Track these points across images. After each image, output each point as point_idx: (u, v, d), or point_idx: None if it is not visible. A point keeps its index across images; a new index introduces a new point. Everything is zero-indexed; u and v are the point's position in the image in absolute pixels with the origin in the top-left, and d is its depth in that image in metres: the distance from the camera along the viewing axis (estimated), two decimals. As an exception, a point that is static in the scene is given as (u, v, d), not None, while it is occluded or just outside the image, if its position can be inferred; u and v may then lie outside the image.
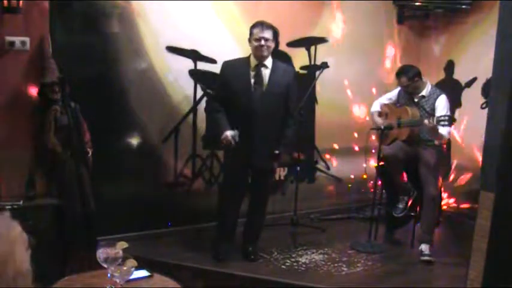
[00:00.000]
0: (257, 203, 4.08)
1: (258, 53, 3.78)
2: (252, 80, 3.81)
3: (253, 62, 3.84)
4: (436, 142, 4.31)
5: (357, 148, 5.43)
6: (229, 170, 4.12)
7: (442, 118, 3.97)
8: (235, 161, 3.91)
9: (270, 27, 3.78)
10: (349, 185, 5.44)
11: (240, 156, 3.82)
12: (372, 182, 5.18)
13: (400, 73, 4.34)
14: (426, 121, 4.06)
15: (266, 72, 3.83)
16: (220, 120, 3.84)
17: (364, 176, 5.51)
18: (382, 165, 4.47)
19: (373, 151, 4.88)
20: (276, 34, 3.86)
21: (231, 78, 3.83)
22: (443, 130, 4.08)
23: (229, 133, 3.75)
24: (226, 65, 3.90)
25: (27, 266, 1.47)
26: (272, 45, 3.82)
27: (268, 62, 3.85)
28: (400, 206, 4.48)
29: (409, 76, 4.26)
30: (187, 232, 4.50)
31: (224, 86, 3.87)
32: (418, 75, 4.29)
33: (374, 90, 5.35)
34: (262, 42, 3.74)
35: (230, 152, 3.89)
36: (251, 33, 3.79)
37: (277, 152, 3.86)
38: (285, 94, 3.86)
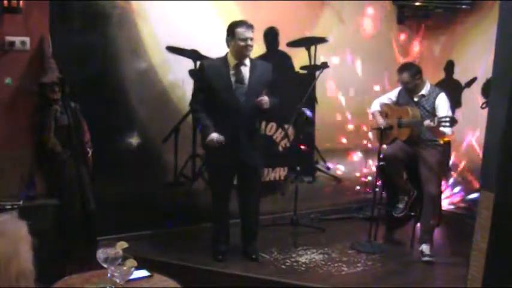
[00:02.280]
0: (248, 202, 4.04)
1: (245, 53, 3.76)
2: (233, 79, 3.79)
3: (232, 61, 3.81)
4: (441, 141, 4.30)
5: (357, 148, 5.44)
6: (214, 169, 4.05)
7: (444, 119, 3.97)
8: (220, 160, 3.85)
9: (252, 26, 3.78)
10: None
11: (225, 155, 3.79)
12: (372, 182, 5.18)
13: (402, 70, 4.34)
14: (427, 122, 4.06)
15: (246, 71, 3.83)
16: (204, 121, 3.79)
17: (364, 176, 5.52)
18: (382, 165, 4.47)
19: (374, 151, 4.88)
20: None
21: (212, 78, 3.79)
22: (445, 128, 4.08)
23: (215, 136, 3.73)
24: (206, 65, 3.87)
25: (30, 266, 1.47)
26: (253, 44, 3.82)
27: (247, 60, 3.85)
28: (400, 206, 4.49)
29: (411, 73, 4.26)
30: (187, 232, 4.50)
31: (205, 86, 3.81)
32: (419, 73, 4.30)
33: (374, 90, 5.35)
34: (249, 42, 3.74)
35: (214, 152, 3.84)
36: (235, 33, 3.73)
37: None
38: (267, 91, 3.84)
